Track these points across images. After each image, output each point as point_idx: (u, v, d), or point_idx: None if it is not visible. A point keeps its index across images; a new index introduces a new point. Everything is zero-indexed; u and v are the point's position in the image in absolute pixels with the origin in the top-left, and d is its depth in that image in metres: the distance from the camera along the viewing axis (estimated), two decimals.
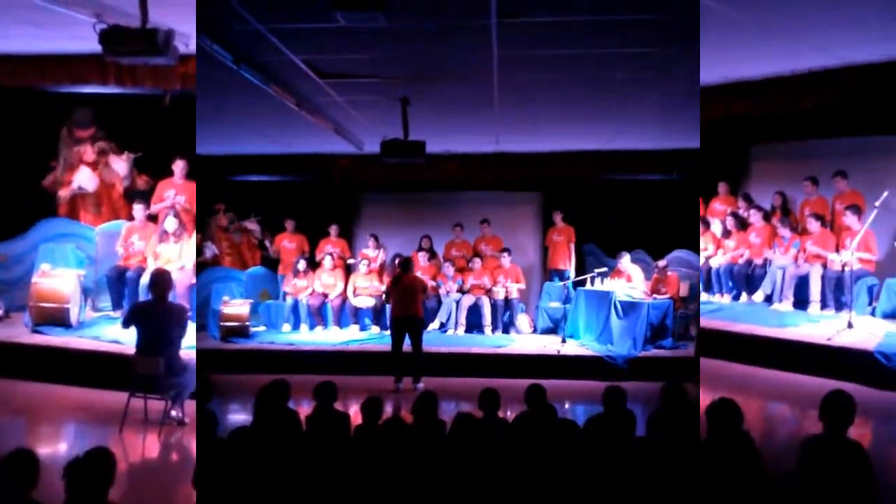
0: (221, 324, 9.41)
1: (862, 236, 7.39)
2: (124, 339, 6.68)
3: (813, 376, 6.53)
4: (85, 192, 8.82)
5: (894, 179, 7.54)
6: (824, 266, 7.95)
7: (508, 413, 5.83)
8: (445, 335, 9.85)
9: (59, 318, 7.42)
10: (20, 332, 7.41)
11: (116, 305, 7.99)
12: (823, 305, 7.90)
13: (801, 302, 8.05)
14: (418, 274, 9.32)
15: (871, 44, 5.78)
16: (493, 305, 10.01)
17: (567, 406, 7.30)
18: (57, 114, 8.68)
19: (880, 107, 6.59)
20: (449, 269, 10.35)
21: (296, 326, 10.21)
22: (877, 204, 7.27)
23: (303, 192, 11.32)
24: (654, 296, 9.19)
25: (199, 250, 10.56)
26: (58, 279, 7.53)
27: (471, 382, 7.05)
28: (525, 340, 9.61)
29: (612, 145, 9.56)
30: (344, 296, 10.32)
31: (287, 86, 6.28)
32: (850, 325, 6.95)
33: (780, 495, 3.01)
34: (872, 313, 7.52)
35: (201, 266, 10.41)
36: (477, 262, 10.28)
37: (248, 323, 9.52)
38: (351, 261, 10.89)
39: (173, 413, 5.93)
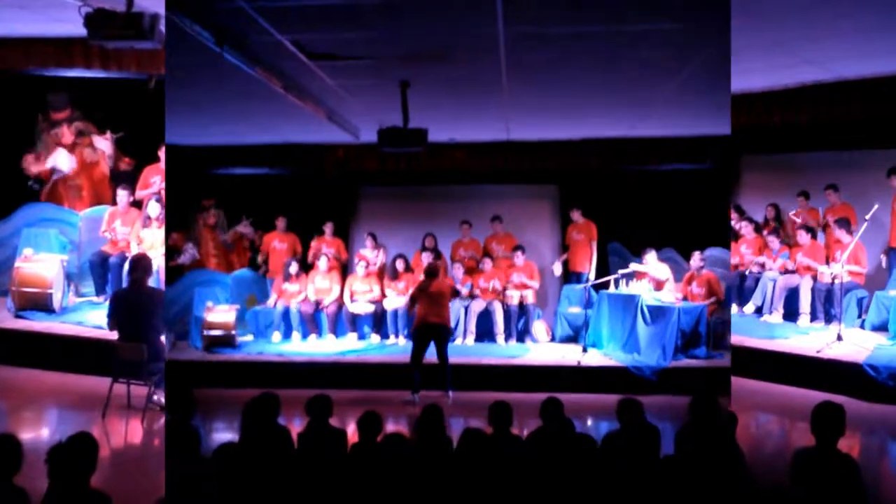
0: (205, 332, 9.49)
1: (852, 249, 8.23)
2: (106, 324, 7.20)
3: (802, 388, 7.16)
4: (62, 174, 9.27)
5: (884, 193, 8.55)
6: (814, 278, 8.79)
7: (524, 431, 5.86)
8: (453, 345, 9.83)
9: (41, 304, 8.03)
10: (3, 317, 7.97)
11: (99, 291, 8.60)
12: (813, 317, 8.74)
13: (791, 314, 8.93)
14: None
15: (864, 59, 6.59)
16: (506, 311, 10.05)
17: (589, 423, 7.34)
18: (33, 97, 9.15)
19: (872, 121, 7.53)
20: (456, 272, 10.40)
21: (287, 335, 10.28)
22: (867, 217, 8.07)
23: (293, 186, 11.37)
24: (686, 299, 9.20)
25: (178, 252, 10.65)
26: (41, 264, 8.14)
27: (481, 397, 7.05)
28: (542, 350, 9.64)
29: (635, 132, 9.58)
30: (340, 301, 10.38)
31: (274, 69, 6.34)
32: (839, 338, 7.68)
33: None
34: (862, 326, 8.35)
35: (179, 269, 10.51)
36: (487, 263, 10.33)
37: (233, 331, 9.60)
38: (365, 252, 10.92)
39: (155, 398, 6.45)
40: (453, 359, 8.89)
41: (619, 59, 6.21)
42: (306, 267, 10.79)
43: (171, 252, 10.68)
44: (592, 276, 10.40)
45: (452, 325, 9.96)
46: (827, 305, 8.59)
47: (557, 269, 10.75)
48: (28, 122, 9.33)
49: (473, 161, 10.52)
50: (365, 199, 12.01)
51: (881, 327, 8.08)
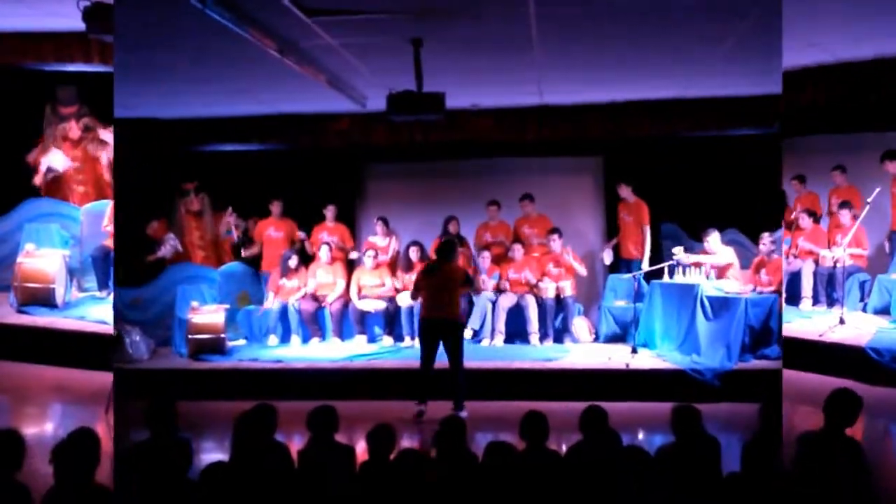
0: (190, 336, 9.57)
1: (854, 232, 9.31)
2: (110, 320, 8.53)
3: (804, 372, 8.05)
4: (56, 174, 10.32)
5: (885, 175, 9.68)
6: (816, 262, 9.85)
7: (562, 446, 5.87)
8: (479, 346, 9.92)
9: (44, 299, 9.09)
10: (5, 313, 9.05)
11: (102, 285, 9.60)
12: (815, 301, 9.80)
13: (793, 298, 9.81)
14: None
15: (865, 41, 7.62)
16: (541, 306, 10.07)
17: (640, 436, 7.35)
18: (40, 92, 10.25)
19: (874, 103, 8.65)
20: (482, 261, 10.42)
21: (285, 339, 10.37)
22: (868, 200, 9.14)
23: (289, 164, 11.43)
24: (756, 288, 9.14)
25: (157, 243, 10.76)
26: (43, 259, 9.24)
27: (512, 407, 7.08)
28: (583, 351, 9.64)
29: (690, 92, 9.51)
30: (346, 298, 10.44)
31: (266, 28, 6.37)
32: (841, 321, 8.67)
33: (773, 492, 3.74)
34: (864, 309, 9.32)
35: (159, 264, 10.61)
36: (518, 251, 10.33)
37: (223, 335, 9.68)
38: (354, 254, 11.02)
39: None
40: (478, 363, 8.91)
41: (668, 7, 6.16)
42: (306, 259, 10.84)
43: (150, 244, 10.79)
44: (647, 263, 10.39)
45: (479, 324, 10.02)
46: (829, 289, 9.67)
47: (607, 256, 10.71)
48: (29, 117, 10.32)
49: (500, 130, 10.50)
50: (373, 177, 12.04)
51: (883, 310, 9.01)
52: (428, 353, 8.13)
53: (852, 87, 8.59)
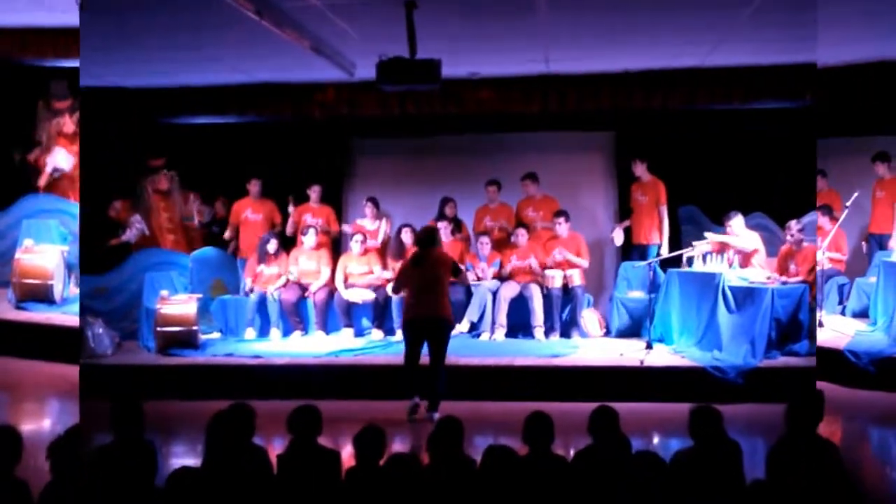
0: (159, 329, 9.58)
1: (833, 236, 10.04)
2: None
3: None
4: (62, 173, 10.95)
5: (864, 180, 10.43)
6: None
7: (569, 451, 5.87)
8: (478, 341, 9.94)
9: (42, 294, 9.73)
10: (3, 309, 9.69)
11: None
12: None
13: None
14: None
15: (843, 46, 8.37)
16: (547, 297, 10.08)
17: (655, 439, 7.38)
18: (35, 88, 10.90)
19: (856, 107, 9.75)
20: (482, 247, 10.42)
21: (263, 332, 10.38)
22: (847, 204, 9.79)
23: (269, 139, 11.42)
24: (784, 278, 9.15)
25: (121, 226, 10.74)
26: (41, 255, 9.84)
27: (514, 407, 7.07)
28: (593, 346, 9.68)
29: (712, 60, 9.49)
30: (331, 287, 10.44)
31: None
32: (820, 324, 9.15)
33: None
34: (843, 312, 10.01)
35: (123, 248, 10.60)
36: (521, 236, 10.34)
37: (195, 328, 9.68)
38: (346, 227, 10.98)
39: None
40: (477, 359, 8.96)
41: None
42: (287, 243, 10.84)
43: (114, 227, 10.77)
44: (665, 249, 10.39)
45: (477, 316, 10.03)
46: None
47: (618, 237, 10.73)
48: (26, 113, 11.01)
49: (502, 102, 10.46)
50: (362, 154, 12.03)
51: (862, 314, 9.73)
52: (413, 351, 8.10)
53: (833, 92, 9.45)
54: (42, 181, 10.89)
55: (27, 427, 6.39)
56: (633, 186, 10.89)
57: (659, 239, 10.58)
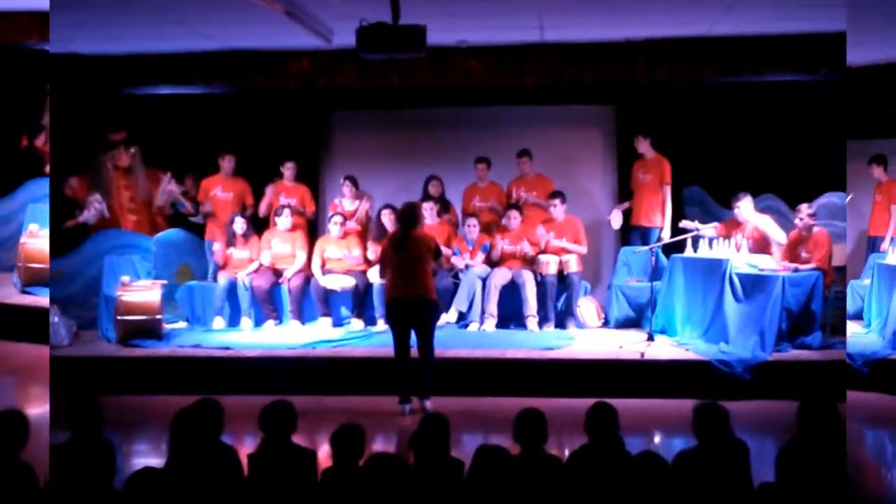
0: (119, 318, 9.55)
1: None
2: None
3: None
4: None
5: (861, 183, 10.79)
6: None
7: (564, 451, 5.89)
8: (467, 332, 9.95)
9: (47, 279, 9.99)
10: (9, 293, 10.26)
11: None
12: None
13: None
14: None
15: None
16: (541, 284, 10.09)
17: (657, 438, 7.42)
18: (40, 71, 10.76)
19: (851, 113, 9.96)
20: (470, 229, 10.41)
21: (234, 321, 10.36)
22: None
23: (240, 112, 11.37)
24: (795, 265, 9.17)
25: (78, 206, 10.67)
26: (46, 240, 10.07)
27: (505, 403, 7.14)
28: (591, 338, 9.69)
29: (723, 29, 9.48)
30: (307, 272, 10.42)
31: None
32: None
33: None
34: None
35: (81, 230, 10.55)
36: (514, 218, 10.34)
37: (159, 316, 9.66)
38: (341, 199, 10.94)
39: None
40: (466, 351, 8.97)
41: None
42: (259, 225, 10.80)
43: (70, 206, 10.71)
44: (667, 233, 10.39)
45: (466, 305, 10.03)
46: None
47: (616, 219, 10.74)
48: (29, 98, 11.22)
49: (493, 73, 10.43)
50: (340, 128, 12.01)
51: (856, 316, 9.98)
52: (402, 340, 8.13)
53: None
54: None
55: (33, 411, 6.65)
56: (635, 165, 10.90)
57: (661, 222, 10.59)
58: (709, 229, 9.66)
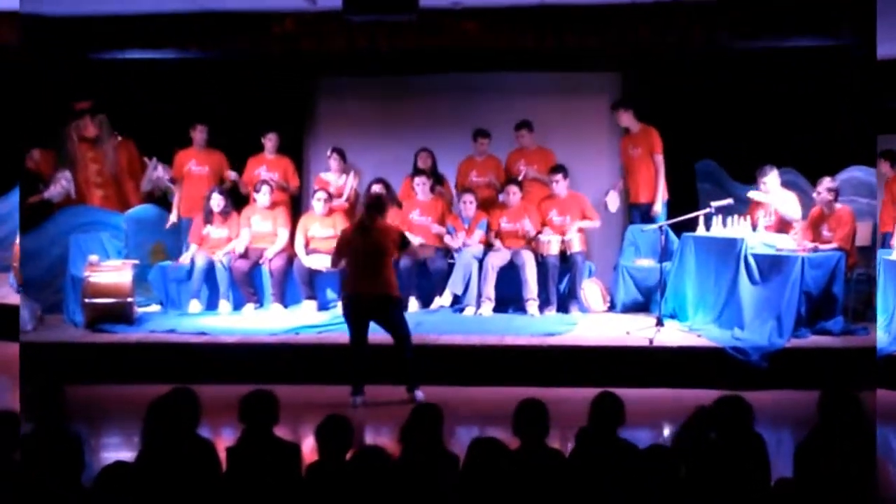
0: (87, 301, 9.53)
1: None
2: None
3: None
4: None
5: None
6: None
7: (567, 444, 5.89)
8: (462, 316, 9.96)
9: None
10: (5, 293, 10.53)
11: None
12: None
13: None
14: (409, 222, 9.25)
15: None
16: (542, 265, 10.09)
17: (666, 431, 7.41)
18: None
19: None
20: (466, 206, 10.40)
21: (211, 304, 10.36)
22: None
23: (216, 78, 11.35)
24: (815, 245, 9.17)
25: (42, 181, 10.64)
26: None
27: (503, 393, 7.10)
28: (595, 323, 9.72)
29: None
30: (290, 252, 10.41)
31: None
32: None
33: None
34: None
35: (45, 207, 10.52)
36: (513, 194, 10.34)
37: (130, 299, 9.65)
38: (327, 178, 10.95)
39: None
40: (461, 337, 8.97)
41: None
42: (238, 201, 10.78)
43: (33, 181, 10.67)
44: (659, 206, 10.45)
45: (461, 288, 10.02)
46: None
47: (612, 201, 10.73)
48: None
49: (490, 37, 10.42)
50: (326, 96, 11.99)
51: None
52: (359, 333, 8.11)
53: None
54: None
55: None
56: (623, 141, 10.95)
57: (655, 196, 10.60)
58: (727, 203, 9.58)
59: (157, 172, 10.96)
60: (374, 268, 8.03)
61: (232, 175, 10.90)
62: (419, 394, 7.95)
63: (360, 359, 8.11)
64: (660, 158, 10.61)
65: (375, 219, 8.17)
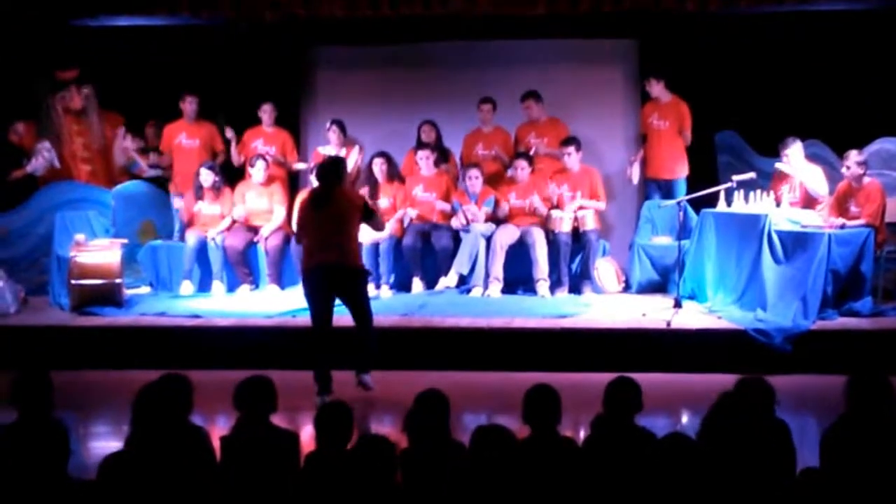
0: (73, 282, 9.56)
1: None
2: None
3: None
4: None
5: None
6: None
7: (579, 432, 5.89)
8: (469, 297, 9.98)
9: None
10: None
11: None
12: None
13: None
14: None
15: None
16: (553, 244, 10.09)
17: (685, 419, 7.44)
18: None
19: None
20: (472, 181, 10.39)
21: (204, 286, 10.39)
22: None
23: (210, 46, 11.33)
24: (842, 221, 9.15)
25: (25, 155, 10.65)
26: None
27: (513, 379, 7.12)
28: (609, 304, 9.71)
29: None
30: (286, 231, 10.42)
31: None
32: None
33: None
34: None
35: (28, 182, 10.53)
36: (522, 168, 10.32)
37: (119, 280, 9.67)
38: (300, 165, 10.99)
39: None
40: (467, 319, 8.99)
41: None
42: (232, 176, 10.80)
43: (16, 155, 10.67)
44: (681, 186, 10.45)
45: (468, 267, 10.02)
46: None
47: (635, 174, 10.71)
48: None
49: (499, 1, 10.39)
50: (325, 66, 11.99)
51: None
52: (321, 315, 7.86)
53: None
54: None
55: None
56: (646, 107, 10.91)
57: (680, 172, 10.62)
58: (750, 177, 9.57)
59: (125, 143, 10.98)
60: (337, 238, 7.76)
61: (229, 133, 10.83)
62: (367, 378, 7.76)
63: (325, 347, 7.83)
64: (688, 135, 10.60)
65: (332, 187, 7.94)
